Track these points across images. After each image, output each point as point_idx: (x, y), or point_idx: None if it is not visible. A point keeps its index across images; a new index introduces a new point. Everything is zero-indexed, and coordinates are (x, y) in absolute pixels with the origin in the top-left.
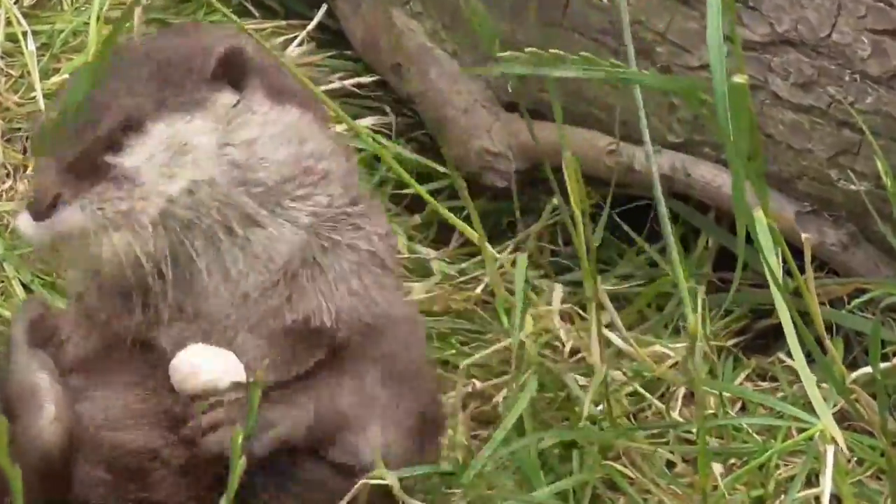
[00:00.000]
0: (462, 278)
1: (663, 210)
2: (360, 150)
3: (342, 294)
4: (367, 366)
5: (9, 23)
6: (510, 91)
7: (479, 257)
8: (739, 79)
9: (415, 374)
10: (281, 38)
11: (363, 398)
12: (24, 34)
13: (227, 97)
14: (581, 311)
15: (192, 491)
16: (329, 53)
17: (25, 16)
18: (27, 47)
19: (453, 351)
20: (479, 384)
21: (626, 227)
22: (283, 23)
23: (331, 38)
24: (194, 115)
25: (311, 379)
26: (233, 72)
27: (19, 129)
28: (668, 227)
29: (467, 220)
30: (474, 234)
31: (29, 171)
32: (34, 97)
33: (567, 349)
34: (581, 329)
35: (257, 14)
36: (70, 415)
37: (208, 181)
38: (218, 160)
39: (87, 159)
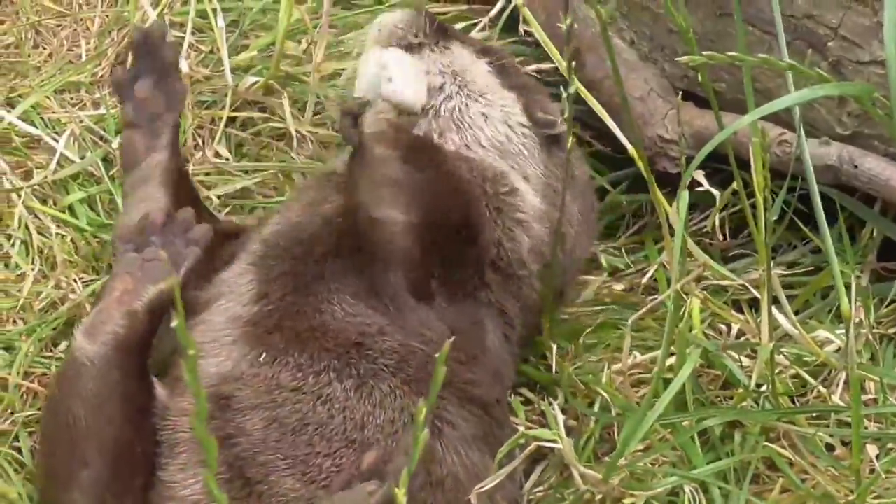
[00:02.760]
0: (628, 271)
1: (817, 200)
2: None
3: None
4: None
5: (199, 0)
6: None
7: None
8: None
9: None
10: (463, 24)
11: None
12: (214, 11)
13: None
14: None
15: None
16: (510, 39)
17: None
18: (216, 24)
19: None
20: (639, 357)
21: (793, 217)
22: (465, 7)
23: (512, 23)
24: None
25: None
26: None
27: (206, 101)
28: (822, 216)
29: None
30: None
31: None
32: (222, 71)
33: (734, 332)
34: (747, 313)
35: None
36: None
37: None
38: None
39: None
